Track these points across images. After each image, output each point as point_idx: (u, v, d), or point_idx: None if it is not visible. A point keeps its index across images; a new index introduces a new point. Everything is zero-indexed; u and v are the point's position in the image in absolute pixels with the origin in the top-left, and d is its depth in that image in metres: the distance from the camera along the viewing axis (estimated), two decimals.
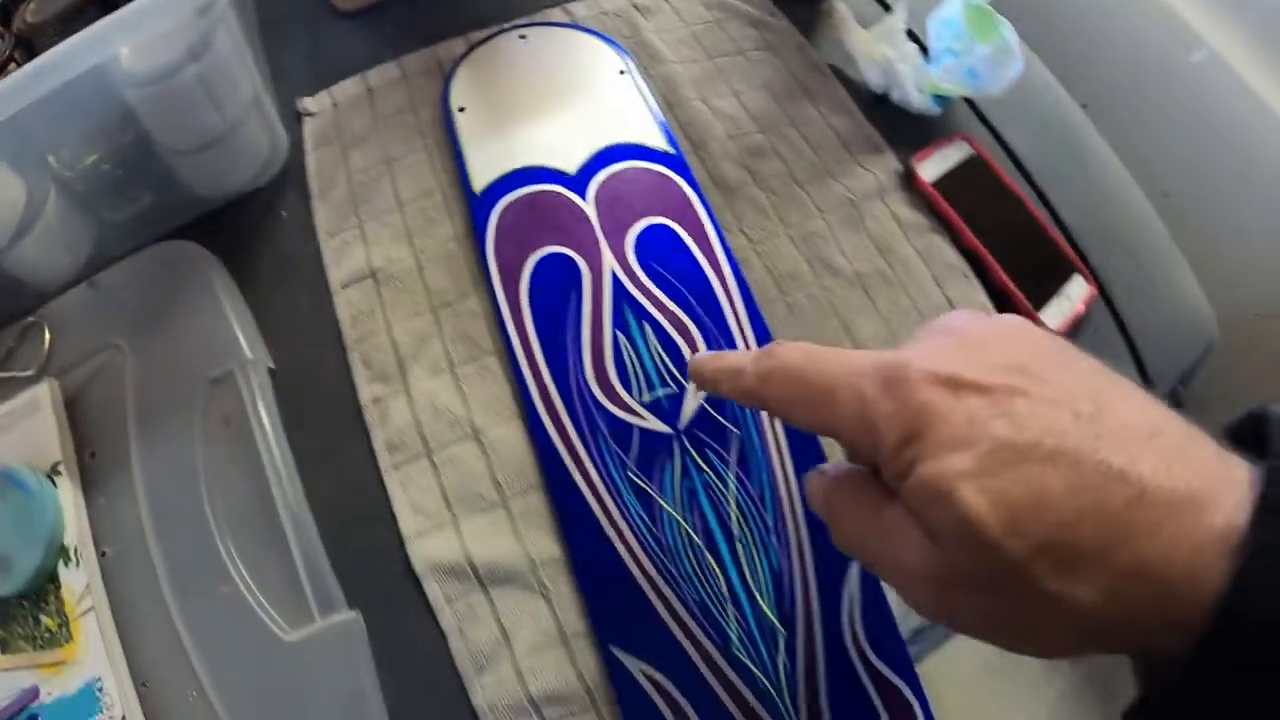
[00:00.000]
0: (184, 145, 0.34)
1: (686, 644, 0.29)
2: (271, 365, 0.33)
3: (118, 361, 0.35)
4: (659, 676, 0.28)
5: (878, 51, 0.40)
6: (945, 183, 0.39)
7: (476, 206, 0.34)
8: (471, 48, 0.39)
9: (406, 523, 0.30)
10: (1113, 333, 0.39)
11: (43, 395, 0.34)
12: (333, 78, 0.40)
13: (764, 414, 0.31)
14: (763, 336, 0.33)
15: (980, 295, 0.37)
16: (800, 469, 0.31)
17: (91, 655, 0.30)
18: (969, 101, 0.44)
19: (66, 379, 0.35)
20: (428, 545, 0.29)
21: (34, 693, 0.30)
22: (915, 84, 0.39)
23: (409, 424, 0.31)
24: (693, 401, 0.31)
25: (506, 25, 0.40)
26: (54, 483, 0.33)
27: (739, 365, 0.22)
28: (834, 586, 0.30)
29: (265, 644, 0.29)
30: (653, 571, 0.29)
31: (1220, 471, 0.16)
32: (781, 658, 0.29)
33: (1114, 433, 0.16)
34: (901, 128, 0.41)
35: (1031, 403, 0.16)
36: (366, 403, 0.31)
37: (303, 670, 0.29)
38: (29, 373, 0.36)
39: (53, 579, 0.31)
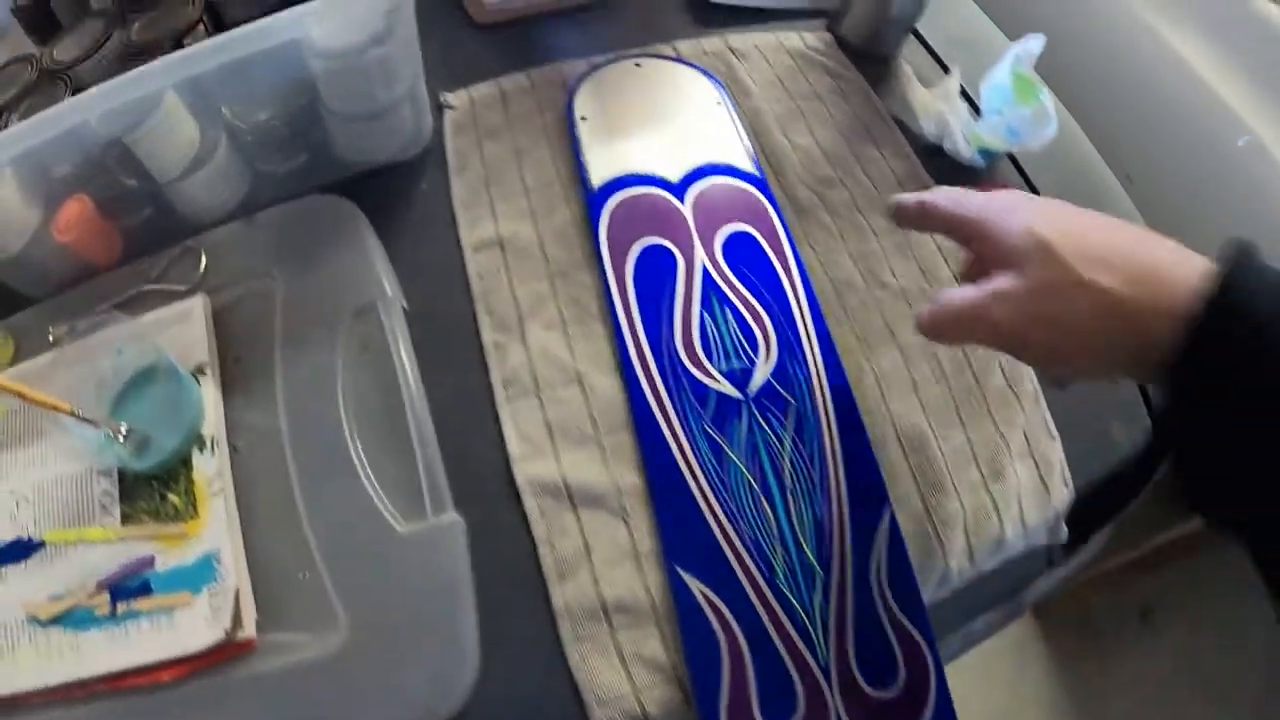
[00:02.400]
0: (353, 113, 0.44)
1: (740, 572, 0.37)
2: (406, 305, 0.42)
3: (269, 287, 0.43)
4: (714, 597, 0.37)
5: (934, 107, 0.50)
6: None
7: (593, 199, 0.44)
8: (593, 68, 0.50)
9: (514, 446, 0.38)
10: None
11: (195, 306, 0.43)
12: (468, 79, 0.50)
13: (816, 388, 0.40)
14: (820, 329, 0.42)
15: None
16: (845, 438, 0.40)
17: (212, 531, 0.37)
18: (1014, 162, 0.54)
19: (217, 296, 0.44)
20: (530, 466, 0.38)
21: (149, 560, 0.37)
22: (964, 137, 0.50)
23: (523, 365, 0.40)
24: (761, 374, 0.40)
25: (624, 54, 0.51)
26: (198, 380, 0.41)
27: (926, 197, 0.35)
28: (866, 539, 0.38)
29: (380, 534, 0.36)
30: (717, 508, 0.38)
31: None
32: (818, 595, 0.37)
33: (1131, 227, 0.29)
34: (952, 177, 0.50)
35: (1085, 214, 0.30)
36: (489, 344, 0.41)
37: (409, 560, 0.36)
38: (183, 288, 0.45)
39: (185, 463, 0.39)
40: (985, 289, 0.30)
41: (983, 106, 0.52)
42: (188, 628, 0.36)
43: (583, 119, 0.47)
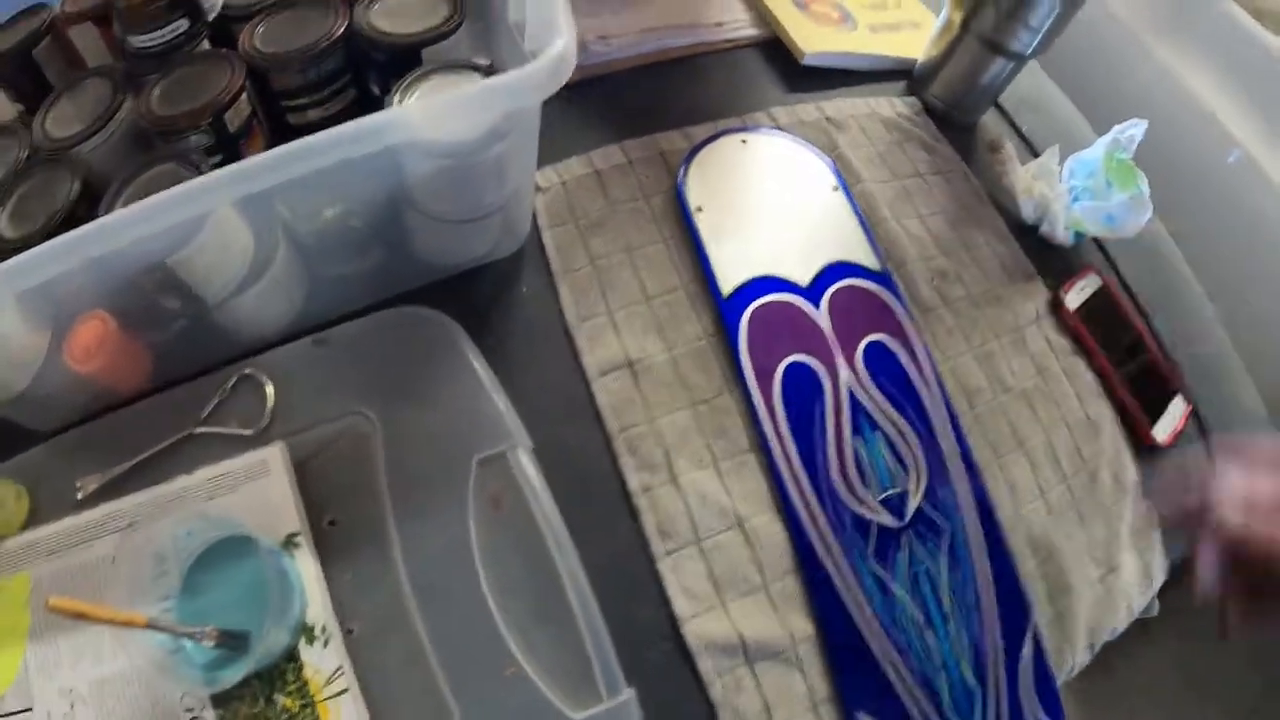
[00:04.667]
0: (457, 216, 0.38)
1: (910, 705, 0.38)
2: (531, 445, 0.39)
3: (364, 430, 0.38)
4: None
5: (1035, 188, 0.51)
6: (1082, 311, 0.50)
7: (726, 309, 0.42)
8: (695, 147, 0.46)
9: (680, 605, 0.37)
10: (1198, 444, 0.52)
11: (273, 459, 0.37)
12: (552, 151, 0.46)
13: (964, 508, 0.41)
14: (962, 445, 0.43)
15: (1109, 412, 0.49)
16: (993, 555, 0.41)
17: None
18: (1095, 240, 0.55)
19: (296, 441, 0.37)
20: (700, 625, 0.37)
21: None
22: (1063, 221, 0.51)
23: (680, 512, 0.38)
24: (915, 499, 0.41)
25: (723, 126, 0.48)
26: (291, 554, 0.35)
27: None
28: (1015, 652, 0.40)
29: None
30: (887, 645, 0.38)
31: None
32: (978, 711, 0.39)
33: None
34: (1044, 255, 0.52)
35: None
36: (635, 489, 0.38)
37: None
38: (248, 432, 0.38)
39: (291, 657, 0.34)
40: None
41: (1065, 181, 0.53)
42: None
43: (698, 210, 0.44)
